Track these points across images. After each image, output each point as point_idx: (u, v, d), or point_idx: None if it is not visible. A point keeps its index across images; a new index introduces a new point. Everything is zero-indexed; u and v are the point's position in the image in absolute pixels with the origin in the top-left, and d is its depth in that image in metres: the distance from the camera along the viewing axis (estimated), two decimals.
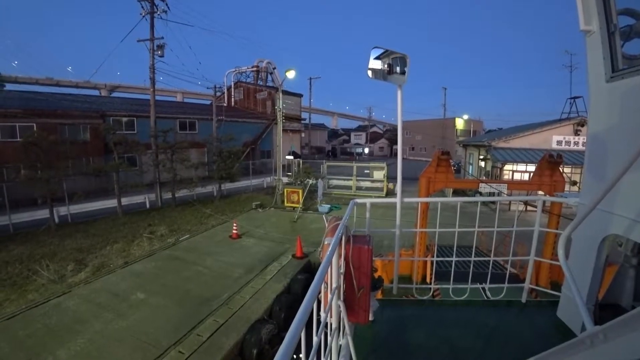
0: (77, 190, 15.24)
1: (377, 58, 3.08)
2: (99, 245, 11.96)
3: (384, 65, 3.07)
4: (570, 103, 21.29)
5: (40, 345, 6.25)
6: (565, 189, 7.53)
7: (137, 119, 24.55)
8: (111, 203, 16.69)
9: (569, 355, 1.44)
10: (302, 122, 44.30)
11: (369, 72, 3.08)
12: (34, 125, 18.31)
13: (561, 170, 7.58)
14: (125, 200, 16.91)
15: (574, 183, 16.22)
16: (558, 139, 19.72)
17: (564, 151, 17.85)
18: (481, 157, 22.60)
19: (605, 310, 2.78)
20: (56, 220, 14.20)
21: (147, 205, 18.23)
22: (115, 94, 56.57)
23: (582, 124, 19.04)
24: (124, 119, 24.05)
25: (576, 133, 19.47)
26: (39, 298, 8.07)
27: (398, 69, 3.06)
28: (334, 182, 24.18)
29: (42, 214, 14.24)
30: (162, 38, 18.55)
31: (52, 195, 13.82)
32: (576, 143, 19.44)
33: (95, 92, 53.49)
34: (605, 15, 2.52)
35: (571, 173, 17.44)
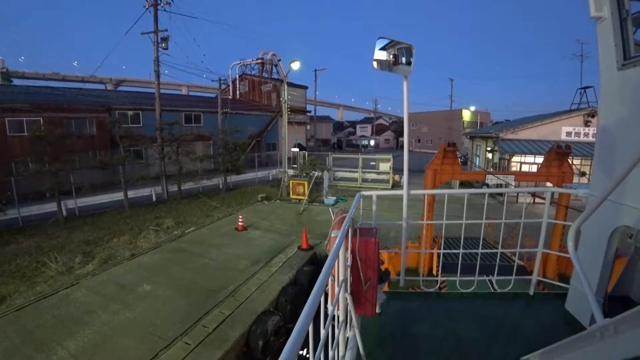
0: (84, 183, 15.42)
1: (383, 49, 3.02)
2: (106, 237, 12.07)
3: (389, 56, 3.01)
4: (581, 93, 20.95)
5: (49, 335, 6.34)
6: (574, 180, 7.39)
7: (142, 112, 24.66)
8: (118, 196, 16.80)
9: (579, 347, 1.42)
10: (308, 114, 44.11)
11: (374, 63, 3.02)
12: (41, 119, 18.43)
13: (570, 162, 7.44)
14: (131, 193, 17.03)
15: (582, 174, 16.00)
16: (567, 130, 19.41)
17: (574, 142, 17.59)
18: (488, 148, 22.36)
19: (614, 302, 2.74)
20: (64, 213, 14.36)
21: (154, 198, 18.36)
22: (121, 88, 56.83)
23: (592, 114, 18.71)
24: (130, 113, 24.16)
25: (586, 124, 19.15)
26: (48, 289, 8.18)
27: (404, 59, 3.00)
28: (340, 174, 24.12)
29: (50, 207, 14.41)
30: (166, 30, 18.48)
31: (60, 189, 13.95)
32: (586, 134, 19.14)
33: (101, 86, 53.78)
34: (617, 1, 2.45)
35: (580, 165, 17.21)
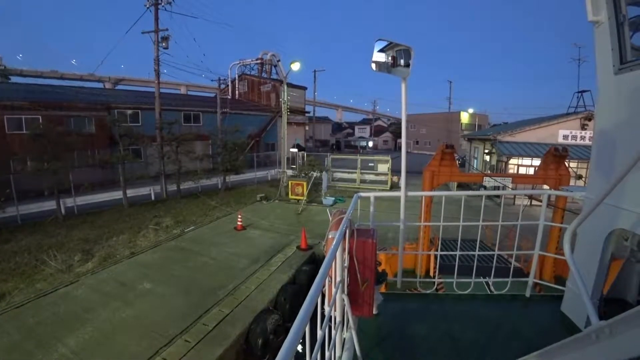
0: (84, 181, 15.38)
1: (381, 50, 3.03)
2: (105, 236, 12.09)
3: (388, 58, 3.03)
4: (578, 97, 21.07)
5: (50, 332, 6.38)
6: (571, 183, 7.46)
7: (141, 111, 24.62)
8: (117, 195, 16.81)
9: (574, 349, 1.44)
10: (307, 114, 44.11)
11: (373, 65, 3.05)
12: (40, 117, 18.40)
13: (567, 164, 7.51)
14: (130, 192, 17.03)
15: (579, 177, 16.11)
16: (564, 133, 19.53)
17: (571, 145, 17.69)
18: (486, 151, 22.45)
19: (610, 305, 2.78)
20: (63, 211, 14.34)
21: (153, 197, 18.35)
22: (119, 87, 56.63)
23: (589, 118, 18.84)
24: (129, 112, 24.10)
25: (583, 127, 19.28)
26: (48, 287, 8.21)
27: (402, 61, 3.02)
28: (338, 175, 24.15)
29: (49, 205, 14.41)
30: (167, 30, 18.50)
31: (59, 187, 13.94)
32: (583, 137, 19.26)
33: (100, 85, 53.58)
34: (614, 6, 2.48)
35: (577, 168, 17.31)
